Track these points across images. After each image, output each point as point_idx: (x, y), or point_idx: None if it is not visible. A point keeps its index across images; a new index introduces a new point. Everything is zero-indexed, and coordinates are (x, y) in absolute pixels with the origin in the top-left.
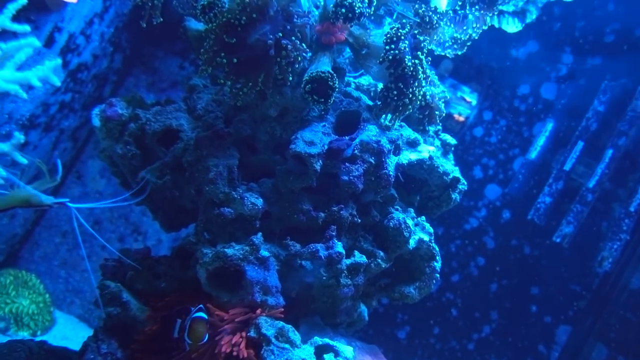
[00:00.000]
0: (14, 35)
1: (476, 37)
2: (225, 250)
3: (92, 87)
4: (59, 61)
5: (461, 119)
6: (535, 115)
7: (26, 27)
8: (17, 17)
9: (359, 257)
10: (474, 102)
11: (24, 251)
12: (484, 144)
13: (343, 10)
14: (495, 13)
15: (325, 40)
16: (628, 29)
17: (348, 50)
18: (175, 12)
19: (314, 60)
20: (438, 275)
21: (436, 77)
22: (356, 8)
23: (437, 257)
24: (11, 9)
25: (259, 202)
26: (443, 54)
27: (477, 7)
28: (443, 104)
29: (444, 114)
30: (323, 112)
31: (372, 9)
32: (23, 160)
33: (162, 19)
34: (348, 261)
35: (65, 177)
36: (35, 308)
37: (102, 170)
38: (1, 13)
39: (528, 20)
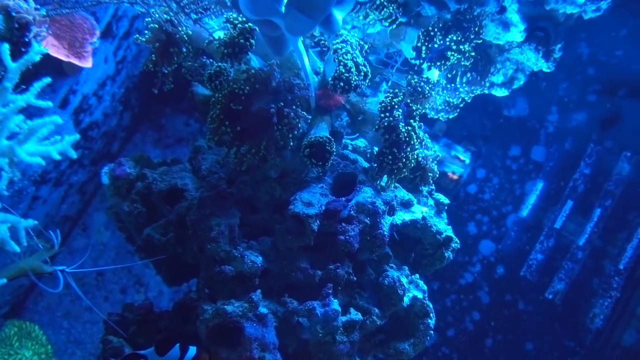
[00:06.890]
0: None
1: (468, 101)
2: (225, 307)
3: (101, 143)
4: (78, 137)
5: (455, 177)
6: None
7: (49, 103)
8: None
9: (355, 315)
10: (467, 161)
11: (28, 302)
12: (478, 201)
13: (341, 83)
14: (486, 87)
15: (324, 104)
16: None
17: (345, 113)
18: (183, 76)
19: (313, 124)
20: (432, 332)
21: (429, 139)
22: (352, 82)
23: (431, 314)
24: (36, 86)
25: (259, 260)
26: (436, 117)
27: (468, 77)
28: (436, 165)
29: (437, 175)
30: (321, 174)
31: (367, 81)
32: (24, 243)
33: (172, 86)
34: (344, 318)
35: (72, 229)
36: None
37: (107, 223)
38: (27, 91)
39: (515, 87)
